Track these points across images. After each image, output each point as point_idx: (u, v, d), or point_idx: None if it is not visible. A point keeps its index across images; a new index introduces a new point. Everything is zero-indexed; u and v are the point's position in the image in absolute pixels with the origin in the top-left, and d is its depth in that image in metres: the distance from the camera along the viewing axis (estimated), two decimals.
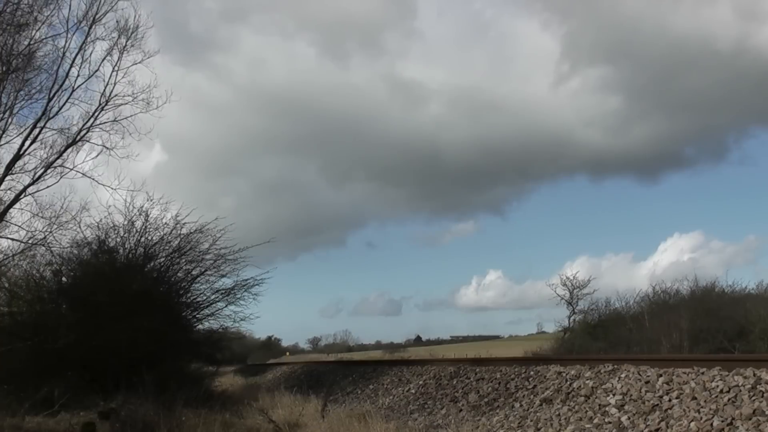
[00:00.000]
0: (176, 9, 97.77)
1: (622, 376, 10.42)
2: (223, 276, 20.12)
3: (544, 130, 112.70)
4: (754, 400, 7.86)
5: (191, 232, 19.20)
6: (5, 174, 15.68)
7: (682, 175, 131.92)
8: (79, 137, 16.62)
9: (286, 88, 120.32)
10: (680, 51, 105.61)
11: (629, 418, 8.94)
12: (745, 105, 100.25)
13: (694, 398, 8.54)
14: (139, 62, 16.97)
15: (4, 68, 15.26)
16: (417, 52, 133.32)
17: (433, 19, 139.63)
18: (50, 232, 16.38)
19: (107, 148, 16.83)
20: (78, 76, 16.67)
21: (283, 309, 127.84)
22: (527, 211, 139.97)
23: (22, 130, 16.04)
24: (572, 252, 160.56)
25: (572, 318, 37.52)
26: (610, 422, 9.10)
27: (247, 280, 20.20)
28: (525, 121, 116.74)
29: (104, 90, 16.69)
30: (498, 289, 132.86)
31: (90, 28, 16.47)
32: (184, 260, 19.63)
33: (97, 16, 16.38)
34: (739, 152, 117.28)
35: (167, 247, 19.17)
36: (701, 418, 7.94)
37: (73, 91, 16.59)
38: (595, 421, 9.37)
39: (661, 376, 9.66)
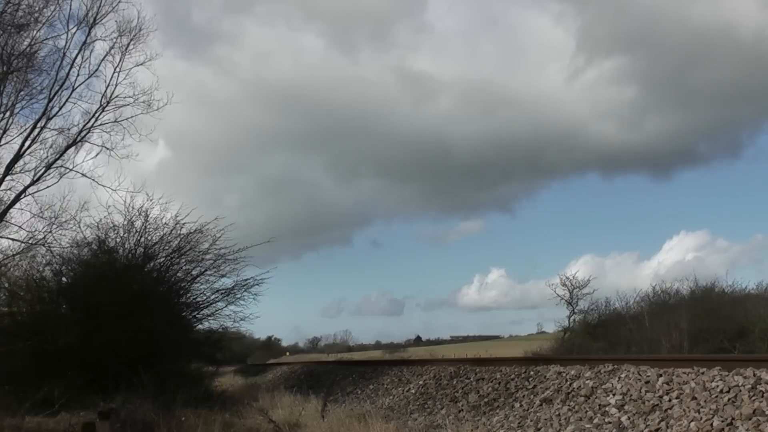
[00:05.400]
0: (178, 1, 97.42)
1: (622, 376, 10.42)
2: (223, 276, 20.16)
3: (556, 125, 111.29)
4: (754, 400, 7.86)
5: (191, 232, 19.24)
6: (5, 174, 15.69)
7: (694, 173, 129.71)
8: (79, 137, 16.67)
9: (293, 82, 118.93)
10: (700, 40, 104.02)
11: (629, 418, 8.95)
12: (762, 98, 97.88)
13: (694, 398, 8.54)
14: (141, 64, 17.02)
15: (4, 68, 15.27)
16: (427, 45, 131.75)
17: (443, 11, 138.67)
18: (50, 232, 16.40)
19: (107, 149, 16.87)
20: (78, 75, 16.73)
21: (285, 309, 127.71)
22: (536, 209, 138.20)
23: (22, 130, 16.07)
24: (578, 251, 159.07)
25: (572, 318, 37.52)
26: (610, 422, 9.11)
27: (247, 280, 20.24)
28: (537, 115, 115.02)
29: (105, 91, 16.75)
30: (500, 289, 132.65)
31: (90, 28, 16.53)
32: (183, 260, 19.65)
33: (97, 17, 16.44)
34: (754, 148, 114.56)
35: (167, 247, 19.20)
36: (701, 418, 7.94)
37: (73, 90, 16.63)
38: (595, 421, 9.37)
39: (661, 376, 9.66)
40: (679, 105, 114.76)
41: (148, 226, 18.77)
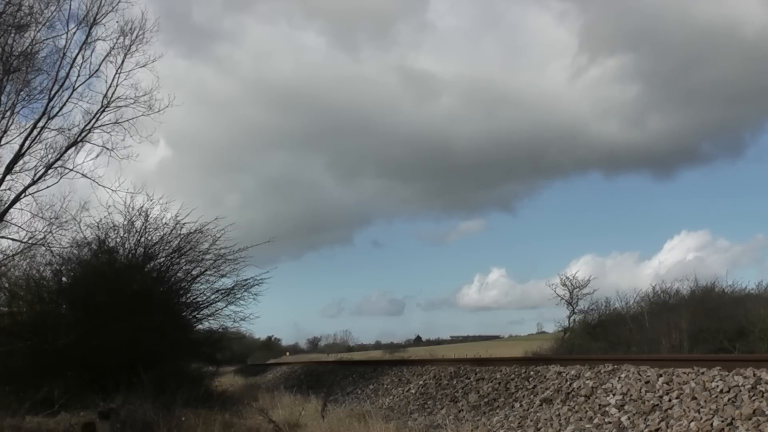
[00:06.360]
0: None
1: (622, 376, 10.42)
2: (223, 276, 20.17)
3: (558, 124, 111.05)
4: (754, 400, 7.86)
5: (191, 232, 19.24)
6: (5, 174, 15.69)
7: (697, 172, 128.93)
8: (80, 138, 16.65)
9: (294, 81, 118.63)
10: (704, 39, 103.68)
11: (629, 418, 8.94)
12: (765, 97, 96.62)
13: (694, 398, 8.54)
14: (143, 65, 17.01)
15: (4, 69, 15.26)
16: (429, 44, 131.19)
17: (445, 10, 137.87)
18: (50, 232, 16.40)
19: (108, 149, 16.87)
20: (78, 76, 16.72)
21: (285, 309, 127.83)
22: (538, 208, 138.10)
23: (22, 130, 16.06)
24: (579, 250, 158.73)
25: (572, 318, 37.52)
26: (610, 422, 9.11)
27: (247, 280, 20.25)
28: (539, 114, 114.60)
29: (106, 92, 16.73)
30: (500, 289, 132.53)
31: (90, 28, 16.52)
32: (184, 260, 19.66)
33: (97, 17, 16.43)
34: (756, 148, 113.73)
35: (167, 247, 19.20)
36: (701, 418, 7.94)
37: (73, 91, 16.62)
38: (595, 421, 9.37)
39: (661, 376, 9.66)
40: (681, 104, 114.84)
41: (149, 226, 18.80)
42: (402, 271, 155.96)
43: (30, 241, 16.39)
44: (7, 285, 17.21)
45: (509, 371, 13.49)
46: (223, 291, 20.23)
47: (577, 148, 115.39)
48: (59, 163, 16.41)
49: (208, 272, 19.93)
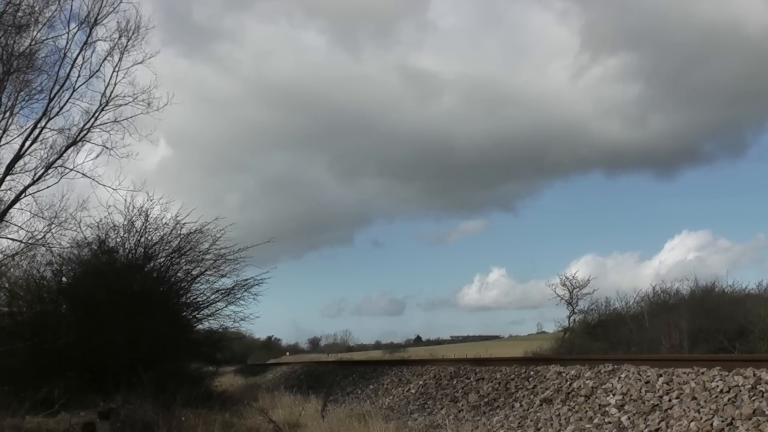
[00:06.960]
0: None
1: (622, 376, 10.42)
2: (223, 276, 20.16)
3: (560, 123, 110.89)
4: (754, 400, 7.86)
5: (191, 232, 19.24)
6: (6, 174, 15.70)
7: (698, 172, 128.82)
8: (79, 137, 16.66)
9: (295, 81, 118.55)
10: (706, 38, 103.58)
11: (629, 418, 8.95)
12: (766, 96, 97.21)
13: (694, 398, 8.54)
14: (140, 62, 17.02)
15: (4, 69, 15.26)
16: (430, 43, 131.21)
17: (446, 9, 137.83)
18: (50, 232, 16.41)
19: (107, 148, 16.88)
20: (79, 76, 16.75)
21: (285, 309, 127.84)
22: (539, 208, 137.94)
23: (22, 130, 16.08)
24: (579, 250, 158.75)
25: (572, 318, 37.55)
26: (610, 422, 9.11)
27: (247, 280, 20.25)
28: (541, 113, 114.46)
29: (105, 90, 16.75)
30: (501, 289, 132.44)
31: (91, 29, 16.54)
32: (184, 260, 19.65)
33: (98, 17, 16.46)
34: (758, 147, 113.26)
35: (167, 247, 19.19)
36: (701, 418, 7.94)
37: (73, 91, 16.65)
38: (595, 421, 9.37)
39: (661, 376, 9.66)
40: (683, 103, 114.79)
41: (149, 226, 18.80)
42: (402, 271, 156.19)
43: (30, 241, 16.42)
44: (7, 285, 17.21)
45: (509, 371, 13.49)
46: (223, 291, 20.25)
47: (579, 147, 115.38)
48: (59, 162, 16.45)
49: (208, 272, 19.95)
